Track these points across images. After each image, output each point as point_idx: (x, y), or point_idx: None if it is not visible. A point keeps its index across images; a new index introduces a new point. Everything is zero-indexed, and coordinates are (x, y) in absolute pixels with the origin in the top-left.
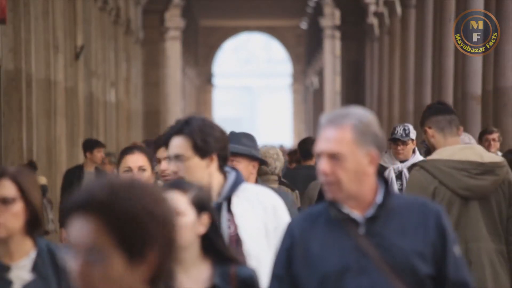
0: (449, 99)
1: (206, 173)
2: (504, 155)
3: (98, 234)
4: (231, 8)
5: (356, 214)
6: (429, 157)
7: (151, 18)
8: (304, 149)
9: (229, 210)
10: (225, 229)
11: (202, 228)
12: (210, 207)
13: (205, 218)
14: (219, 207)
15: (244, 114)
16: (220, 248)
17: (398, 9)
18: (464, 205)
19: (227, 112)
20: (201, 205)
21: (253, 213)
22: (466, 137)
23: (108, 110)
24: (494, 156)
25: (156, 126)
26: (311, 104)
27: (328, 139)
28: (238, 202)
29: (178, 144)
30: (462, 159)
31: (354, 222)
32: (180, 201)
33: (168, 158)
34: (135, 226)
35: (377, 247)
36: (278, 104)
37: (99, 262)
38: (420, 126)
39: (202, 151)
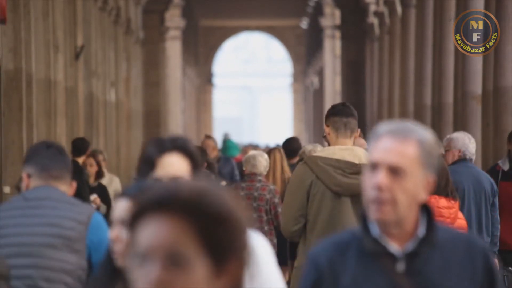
0: (449, 99)
1: None
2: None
3: (184, 236)
4: (231, 8)
5: (395, 247)
6: (314, 154)
7: (151, 18)
8: (288, 148)
9: None
10: None
11: None
12: None
13: None
14: None
15: (244, 114)
16: None
17: (399, 9)
18: (336, 199)
19: (227, 112)
20: None
21: None
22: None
23: (108, 110)
24: None
25: (156, 126)
26: (311, 104)
27: (390, 150)
28: None
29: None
30: (339, 159)
31: (391, 256)
32: None
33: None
34: (222, 230)
35: (419, 287)
36: (278, 104)
37: (182, 269)
38: (324, 122)
39: None
